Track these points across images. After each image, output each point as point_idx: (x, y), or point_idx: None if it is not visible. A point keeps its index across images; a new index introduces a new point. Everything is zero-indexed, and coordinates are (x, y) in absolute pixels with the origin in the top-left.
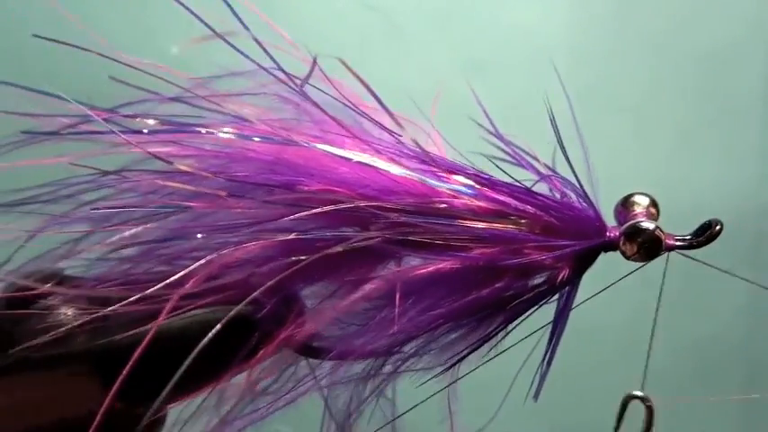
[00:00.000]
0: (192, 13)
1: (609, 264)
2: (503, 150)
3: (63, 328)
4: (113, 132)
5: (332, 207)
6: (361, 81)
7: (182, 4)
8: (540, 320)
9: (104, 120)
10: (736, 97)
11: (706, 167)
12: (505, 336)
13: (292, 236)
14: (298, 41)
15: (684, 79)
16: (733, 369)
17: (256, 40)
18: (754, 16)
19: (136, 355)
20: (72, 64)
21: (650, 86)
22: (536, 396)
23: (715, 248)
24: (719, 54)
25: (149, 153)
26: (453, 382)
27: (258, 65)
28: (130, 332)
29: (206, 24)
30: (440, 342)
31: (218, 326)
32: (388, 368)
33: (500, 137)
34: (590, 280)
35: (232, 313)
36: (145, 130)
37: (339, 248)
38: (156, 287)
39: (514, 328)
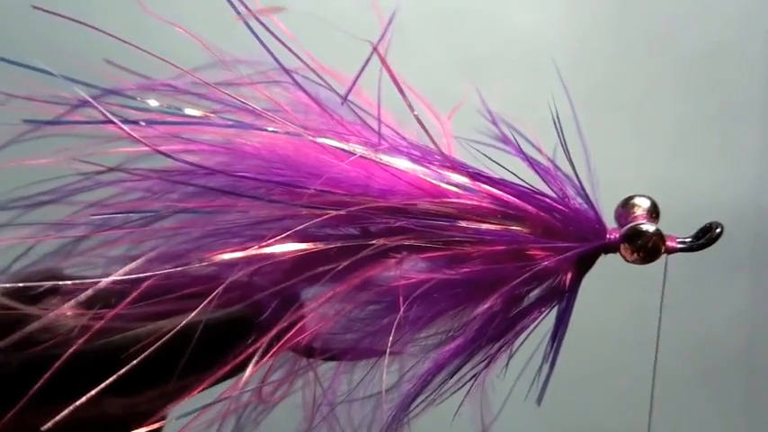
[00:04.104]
0: None
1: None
2: (504, 150)
3: (62, 329)
4: (113, 122)
5: (336, 212)
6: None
7: None
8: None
9: (105, 111)
10: (735, 97)
11: (705, 168)
12: (516, 342)
13: (295, 240)
14: (306, 40)
15: (684, 79)
16: (734, 372)
17: (259, 39)
18: (753, 15)
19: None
20: (71, 62)
21: (649, 87)
22: (539, 400)
23: (714, 250)
24: (719, 54)
25: (154, 149)
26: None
27: (261, 57)
28: (130, 332)
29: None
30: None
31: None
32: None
33: (503, 137)
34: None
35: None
36: (142, 123)
37: (339, 245)
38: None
39: (529, 335)
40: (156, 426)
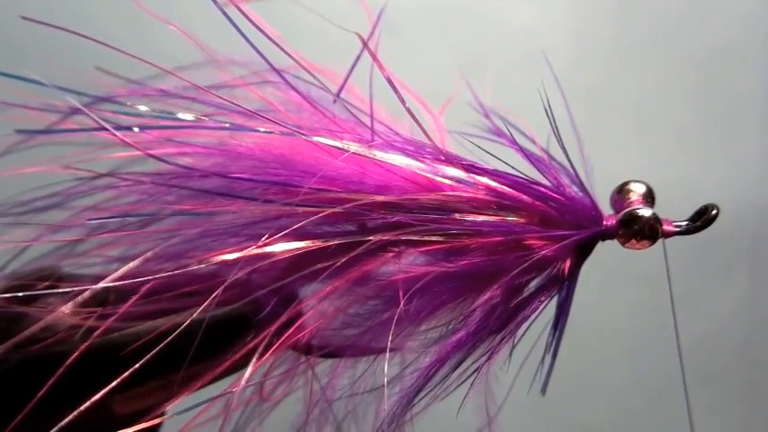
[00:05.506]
0: None
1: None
2: (499, 143)
3: (61, 326)
4: (105, 129)
5: (331, 210)
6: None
7: None
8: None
9: (97, 118)
10: (735, 97)
11: (705, 167)
12: (518, 335)
13: (292, 239)
14: (298, 41)
15: (684, 79)
16: (732, 369)
17: (249, 42)
18: (754, 15)
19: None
20: (65, 67)
21: (650, 86)
22: (543, 390)
23: (714, 247)
24: (719, 54)
25: (147, 154)
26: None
27: (253, 57)
28: (131, 329)
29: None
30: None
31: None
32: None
33: (497, 130)
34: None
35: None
36: (135, 129)
37: (337, 242)
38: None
39: (530, 325)
40: (154, 423)
